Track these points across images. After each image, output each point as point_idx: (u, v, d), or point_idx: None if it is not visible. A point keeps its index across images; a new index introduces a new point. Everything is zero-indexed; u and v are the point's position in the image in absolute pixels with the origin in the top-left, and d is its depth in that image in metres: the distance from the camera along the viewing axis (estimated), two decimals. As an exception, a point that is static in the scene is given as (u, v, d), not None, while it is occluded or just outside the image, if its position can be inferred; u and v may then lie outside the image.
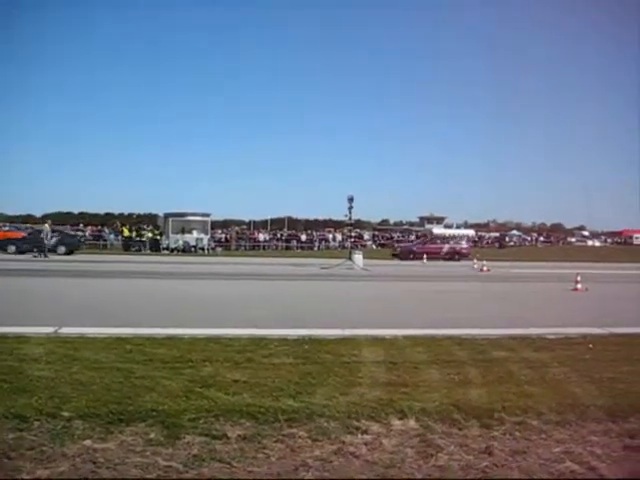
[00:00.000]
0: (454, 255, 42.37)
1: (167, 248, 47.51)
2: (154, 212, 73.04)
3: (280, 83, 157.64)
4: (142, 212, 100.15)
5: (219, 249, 52.20)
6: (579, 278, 19.02)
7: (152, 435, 4.78)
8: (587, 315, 13.04)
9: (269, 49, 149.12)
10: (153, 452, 4.45)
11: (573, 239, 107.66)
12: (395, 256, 44.81)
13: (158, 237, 49.53)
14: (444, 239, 51.52)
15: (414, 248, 43.80)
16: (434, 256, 41.08)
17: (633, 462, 4.59)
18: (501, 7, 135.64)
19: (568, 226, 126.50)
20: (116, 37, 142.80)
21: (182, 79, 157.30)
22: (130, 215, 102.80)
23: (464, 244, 48.73)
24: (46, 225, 38.14)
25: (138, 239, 49.43)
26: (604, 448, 4.84)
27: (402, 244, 54.49)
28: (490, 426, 5.28)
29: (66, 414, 5.16)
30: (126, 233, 50.45)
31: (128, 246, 48.38)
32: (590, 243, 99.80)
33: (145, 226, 56.44)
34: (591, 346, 8.97)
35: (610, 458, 4.63)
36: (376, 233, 77.31)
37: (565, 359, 8.05)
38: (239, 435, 4.85)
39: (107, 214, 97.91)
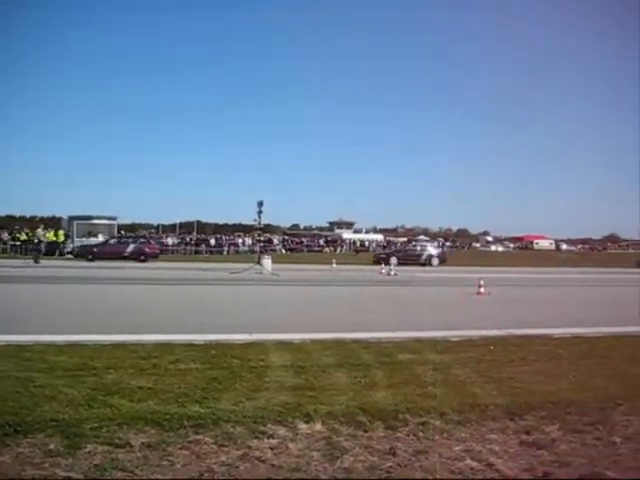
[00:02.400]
0: (140, 256, 40.44)
1: (72, 252, 45.85)
2: (58, 215, 70.27)
3: (198, 87, 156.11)
4: (45, 215, 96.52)
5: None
6: (482, 282, 19.67)
7: (51, 446, 4.61)
8: (489, 318, 13.54)
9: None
10: (52, 463, 4.30)
11: (478, 244, 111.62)
12: (75, 256, 43.10)
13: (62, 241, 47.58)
14: (127, 239, 48.23)
15: (94, 249, 42.18)
16: (117, 256, 39.47)
17: (528, 457, 4.80)
18: (501, 10, 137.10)
19: (473, 231, 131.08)
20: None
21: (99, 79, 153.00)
22: (32, 218, 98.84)
23: (153, 243, 47.81)
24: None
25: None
26: (502, 445, 5.05)
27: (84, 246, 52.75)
28: (394, 427, 5.40)
29: (-43, 427, 4.92)
30: (51, 237, 47.54)
31: (26, 251, 45.94)
32: (493, 248, 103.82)
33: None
34: (492, 347, 9.33)
35: (507, 454, 4.84)
36: (286, 238, 77.56)
37: (467, 360, 8.33)
38: (143, 443, 4.75)
39: (8, 216, 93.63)
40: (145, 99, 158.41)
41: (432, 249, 48.44)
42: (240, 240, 65.94)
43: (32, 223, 75.67)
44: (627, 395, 6.54)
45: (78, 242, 46.11)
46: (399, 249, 51.42)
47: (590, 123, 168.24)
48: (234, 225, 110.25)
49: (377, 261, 42.16)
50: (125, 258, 39.20)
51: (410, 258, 43.10)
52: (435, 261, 42.88)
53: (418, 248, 48.45)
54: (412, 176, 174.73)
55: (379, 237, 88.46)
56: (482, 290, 19.48)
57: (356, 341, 9.63)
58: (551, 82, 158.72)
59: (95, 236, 47.34)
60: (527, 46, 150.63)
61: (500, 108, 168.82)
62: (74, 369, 7.10)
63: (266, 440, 4.96)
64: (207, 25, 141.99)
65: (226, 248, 60.76)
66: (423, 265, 41.46)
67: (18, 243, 47.05)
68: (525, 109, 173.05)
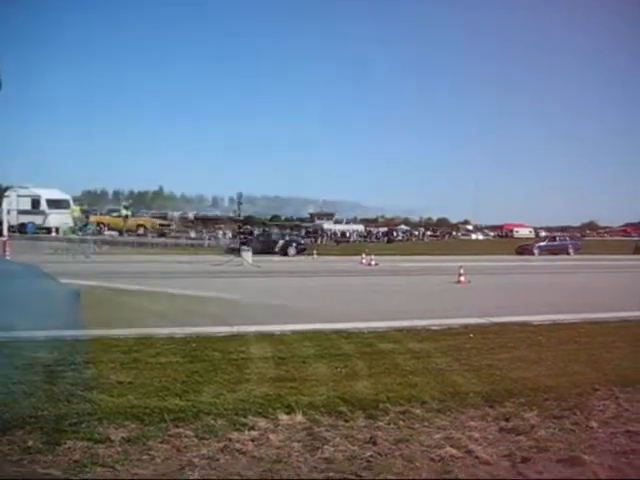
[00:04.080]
0: None
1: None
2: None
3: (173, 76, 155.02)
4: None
5: (105, 246, 50.58)
6: (462, 271, 19.78)
7: (30, 443, 4.58)
8: (469, 306, 13.63)
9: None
10: (31, 460, 4.27)
11: (458, 233, 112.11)
12: None
13: None
14: None
15: None
16: None
17: (508, 443, 4.86)
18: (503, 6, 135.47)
19: (453, 220, 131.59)
20: None
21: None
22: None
23: None
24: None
25: None
26: (481, 432, 5.12)
27: None
28: (375, 417, 5.44)
29: None
30: None
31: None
32: (474, 237, 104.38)
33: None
34: (472, 335, 9.40)
35: (487, 441, 4.90)
36: (267, 229, 77.34)
37: (447, 349, 8.40)
38: (123, 438, 4.74)
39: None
40: (124, 94, 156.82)
41: (288, 238, 46.33)
42: (221, 232, 65.48)
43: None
44: (603, 380, 6.66)
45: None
46: (251, 238, 46.79)
47: (570, 112, 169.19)
48: (215, 217, 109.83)
49: (229, 251, 37.36)
50: None
51: (264, 248, 40.13)
52: (292, 251, 41.13)
53: (273, 237, 46.10)
54: (392, 166, 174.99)
55: (360, 227, 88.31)
56: (462, 279, 19.60)
57: (337, 331, 9.65)
58: (533, 70, 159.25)
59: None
60: (503, 35, 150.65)
61: (480, 95, 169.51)
62: (53, 364, 7.05)
63: (247, 432, 4.97)
64: (187, 6, 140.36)
65: (206, 240, 60.35)
66: (282, 255, 39.77)
67: None
68: (503, 96, 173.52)
